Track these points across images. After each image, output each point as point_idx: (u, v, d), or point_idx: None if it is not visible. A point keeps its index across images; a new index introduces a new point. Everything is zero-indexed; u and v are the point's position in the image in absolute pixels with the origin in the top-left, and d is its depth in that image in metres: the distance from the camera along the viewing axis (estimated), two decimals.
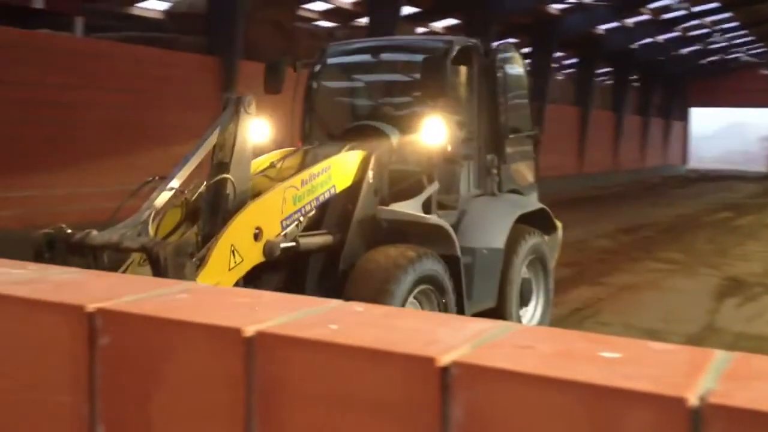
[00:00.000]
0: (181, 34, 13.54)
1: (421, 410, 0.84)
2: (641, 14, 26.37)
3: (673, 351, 0.91)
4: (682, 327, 7.23)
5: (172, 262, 3.75)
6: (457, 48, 6.20)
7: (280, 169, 5.49)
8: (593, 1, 23.22)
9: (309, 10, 19.21)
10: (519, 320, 6.20)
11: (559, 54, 27.10)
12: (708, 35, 31.78)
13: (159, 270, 3.74)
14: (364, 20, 17.84)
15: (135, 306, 0.91)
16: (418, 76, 6.14)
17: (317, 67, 6.82)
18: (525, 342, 0.93)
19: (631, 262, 11.14)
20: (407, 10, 18.44)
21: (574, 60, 29.32)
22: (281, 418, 0.88)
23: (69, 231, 4.16)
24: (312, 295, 2.77)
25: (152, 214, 4.49)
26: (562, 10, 23.59)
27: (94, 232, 4.16)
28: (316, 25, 19.00)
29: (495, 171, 6.42)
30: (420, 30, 21.20)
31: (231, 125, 4.76)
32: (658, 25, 27.85)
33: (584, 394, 0.81)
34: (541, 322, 6.48)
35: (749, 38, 34.89)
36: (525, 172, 7.11)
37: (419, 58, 6.18)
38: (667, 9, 25.96)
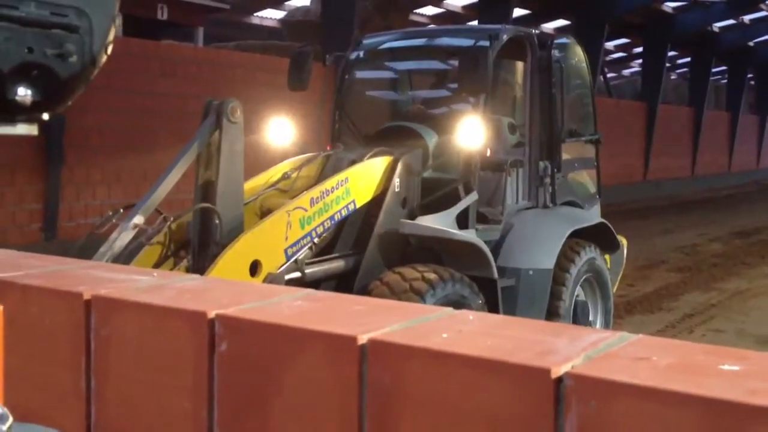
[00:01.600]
0: (297, 41, 13.86)
1: (534, 422, 0.84)
2: (760, 10, 25.26)
3: None
4: None
5: None
6: (504, 38, 5.39)
7: (294, 179, 4.81)
8: None
9: (420, 14, 19.34)
10: None
11: (672, 53, 26.27)
12: None
13: None
14: (474, 23, 17.86)
15: (252, 313, 0.94)
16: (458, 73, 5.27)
17: (350, 61, 6.08)
18: (641, 353, 0.91)
19: (746, 267, 10.70)
20: (518, 12, 18.30)
21: (687, 59, 28.40)
22: (393, 426, 0.89)
23: None
24: None
25: (110, 260, 3.65)
26: (676, 8, 22.88)
27: None
28: None
29: (548, 180, 5.66)
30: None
31: (215, 137, 4.09)
32: None
33: (704, 408, 0.79)
34: None
35: None
36: (585, 181, 6.35)
37: (462, 49, 5.56)
38: None
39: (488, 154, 5.21)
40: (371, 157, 4.89)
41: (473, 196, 5.04)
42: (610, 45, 25.77)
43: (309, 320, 0.93)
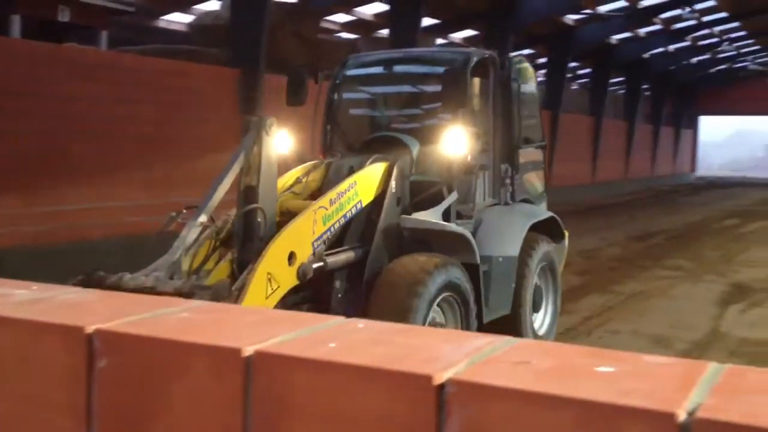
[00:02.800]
0: (206, 46, 13.59)
1: (418, 429, 0.85)
2: (653, 24, 26.34)
3: (666, 364, 0.91)
4: (688, 333, 7.22)
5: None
6: (475, 59, 6.31)
7: (305, 183, 5.70)
8: (607, 12, 23.21)
9: (332, 21, 19.31)
10: (532, 326, 6.39)
11: (574, 64, 27.07)
12: (717, 44, 31.73)
13: None
14: (385, 32, 17.95)
15: (134, 327, 0.92)
16: (437, 87, 6.28)
17: (338, 79, 6.91)
18: (522, 357, 0.93)
19: (641, 270, 11.16)
20: (427, 21, 18.51)
21: (588, 70, 29.34)
22: None
23: (102, 275, 4.31)
24: (337, 307, 3.71)
25: (184, 253, 4.44)
26: (578, 21, 23.63)
27: (128, 276, 4.25)
28: (339, 37, 19.10)
29: (509, 181, 6.55)
30: (440, 41, 21.34)
31: (255, 148, 4.79)
32: (669, 34, 27.80)
33: (579, 410, 0.81)
34: (550, 328, 6.67)
35: (756, 47, 34.90)
36: (535, 181, 7.21)
37: (438, 69, 6.40)
38: (677, 19, 25.92)
39: (468, 159, 6.00)
40: (371, 163, 5.71)
41: (454, 196, 5.85)
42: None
43: (193, 333, 0.91)
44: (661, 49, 30.28)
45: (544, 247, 6.54)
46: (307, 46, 14.43)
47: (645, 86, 33.06)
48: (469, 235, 5.74)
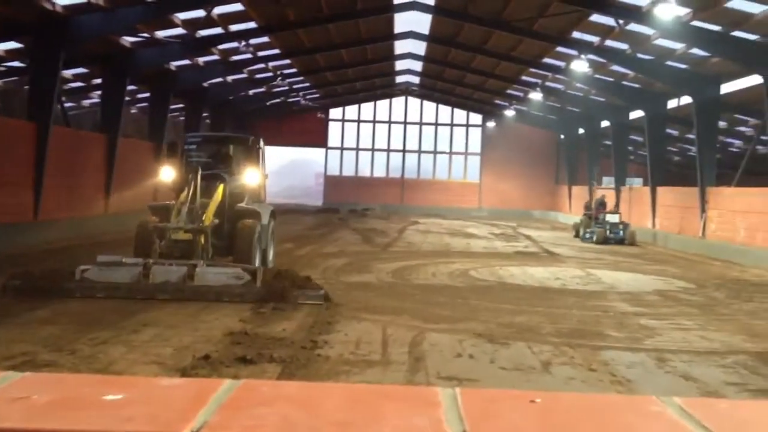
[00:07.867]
0: None
1: None
2: (212, 54, 27.20)
3: (178, 385, 0.89)
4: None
5: (208, 234, 12.16)
6: (251, 139, 15.32)
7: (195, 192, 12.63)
8: (165, 38, 23.32)
9: None
10: (268, 258, 14.19)
11: (132, 87, 26.66)
12: (272, 79, 34.00)
13: (205, 237, 12.16)
14: None
15: None
16: (234, 149, 15.30)
17: (185, 144, 15.09)
18: (21, 393, 0.84)
19: None
20: None
21: (147, 94, 29.15)
22: None
23: (156, 225, 12.20)
24: (215, 242, 13.22)
25: (184, 216, 12.02)
26: (135, 44, 23.32)
27: (168, 225, 11.97)
28: None
29: (262, 193, 15.09)
30: None
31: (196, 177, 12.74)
32: (227, 65, 28.98)
33: None
34: (273, 259, 14.74)
35: (306, 84, 38.28)
36: (263, 193, 15.28)
37: (232, 141, 16.39)
38: (235, 51, 27.14)
39: (257, 183, 14.68)
40: (219, 184, 13.16)
41: (247, 198, 13.93)
42: (68, 73, 25.17)
43: None
44: (219, 79, 31.43)
45: (272, 223, 14.83)
46: None
47: (206, 114, 34.00)
48: (261, 210, 13.69)
